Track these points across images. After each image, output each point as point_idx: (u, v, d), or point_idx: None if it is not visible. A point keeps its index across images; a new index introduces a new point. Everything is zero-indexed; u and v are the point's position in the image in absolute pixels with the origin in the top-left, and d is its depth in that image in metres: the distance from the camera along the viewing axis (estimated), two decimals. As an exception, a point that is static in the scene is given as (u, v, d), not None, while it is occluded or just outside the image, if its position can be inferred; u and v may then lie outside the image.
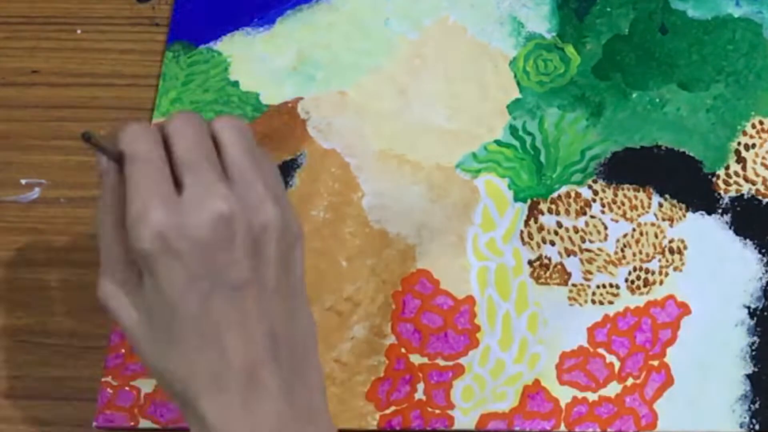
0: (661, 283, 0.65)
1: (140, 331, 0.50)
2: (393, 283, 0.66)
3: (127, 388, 0.63)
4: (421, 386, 0.63)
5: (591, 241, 0.67)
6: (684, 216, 0.67)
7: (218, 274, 0.48)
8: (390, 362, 0.64)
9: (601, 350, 0.64)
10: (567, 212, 0.67)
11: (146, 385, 0.63)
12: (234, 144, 0.50)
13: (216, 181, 0.48)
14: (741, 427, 0.62)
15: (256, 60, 0.73)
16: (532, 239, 0.67)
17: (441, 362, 0.64)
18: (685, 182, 0.68)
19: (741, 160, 0.68)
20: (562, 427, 0.62)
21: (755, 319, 0.64)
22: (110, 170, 0.50)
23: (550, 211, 0.67)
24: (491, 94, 0.71)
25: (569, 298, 0.65)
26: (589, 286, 0.65)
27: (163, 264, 0.48)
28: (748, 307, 0.64)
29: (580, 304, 0.65)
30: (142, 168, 0.49)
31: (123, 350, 0.64)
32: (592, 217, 0.67)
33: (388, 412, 0.63)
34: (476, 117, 0.71)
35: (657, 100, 0.70)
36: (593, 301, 0.65)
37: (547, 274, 0.66)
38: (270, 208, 0.49)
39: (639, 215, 0.67)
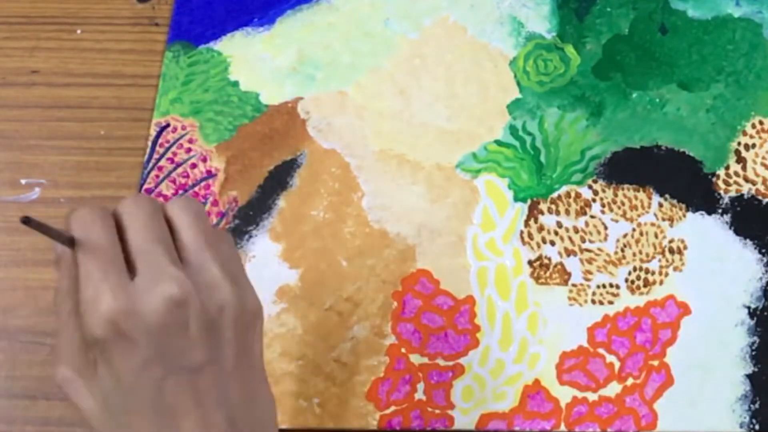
0: (661, 283, 0.65)
1: (98, 419, 0.49)
2: (393, 283, 0.66)
3: (127, 388, 0.63)
4: (421, 386, 0.63)
5: (591, 241, 0.67)
6: (684, 216, 0.67)
7: (173, 358, 0.47)
8: (390, 362, 0.64)
9: (601, 350, 0.64)
10: (567, 212, 0.67)
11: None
12: (188, 227, 0.50)
13: (168, 265, 0.48)
14: (741, 427, 0.62)
15: (256, 60, 0.73)
16: (532, 239, 0.67)
17: (441, 362, 0.64)
18: (685, 182, 0.68)
19: (741, 160, 0.68)
20: (562, 427, 0.62)
21: (755, 319, 0.64)
22: (66, 256, 0.49)
23: (550, 211, 0.67)
24: (491, 94, 0.71)
25: (569, 298, 0.65)
26: (589, 286, 0.65)
27: (116, 350, 0.47)
28: (748, 307, 0.64)
29: (580, 304, 0.65)
30: (93, 254, 0.48)
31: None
32: (592, 217, 0.67)
33: (388, 412, 0.63)
34: (476, 117, 0.71)
35: (657, 100, 0.70)
36: (593, 301, 0.65)
37: (547, 274, 0.66)
38: (225, 288, 0.49)
39: (639, 215, 0.67)
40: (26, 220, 0.47)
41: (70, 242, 0.49)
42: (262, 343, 0.52)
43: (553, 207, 0.68)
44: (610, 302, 0.65)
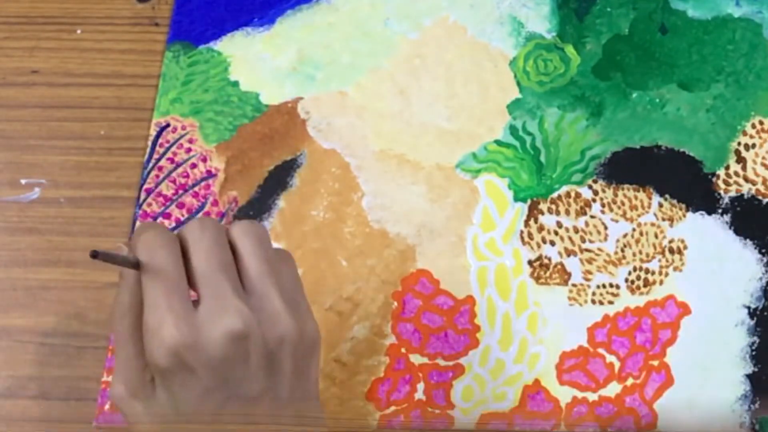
0: (661, 283, 0.65)
1: None
2: (393, 283, 0.66)
3: (127, 388, 0.63)
4: (421, 386, 0.63)
5: (591, 241, 0.67)
6: (684, 216, 0.67)
7: (232, 387, 0.49)
8: (390, 362, 0.64)
9: (601, 350, 0.64)
10: (567, 212, 0.67)
11: (146, 385, 0.63)
12: (251, 253, 0.51)
13: (231, 296, 0.49)
14: (741, 427, 0.62)
15: (256, 60, 0.73)
16: (532, 239, 0.67)
17: (441, 362, 0.64)
18: (685, 182, 0.68)
19: (741, 160, 0.68)
20: (562, 427, 0.62)
21: (755, 319, 0.64)
22: (129, 273, 0.50)
23: (550, 211, 0.67)
24: (491, 94, 0.71)
25: (569, 298, 0.65)
26: (589, 286, 0.65)
27: (176, 379, 0.48)
28: (748, 307, 0.64)
29: (580, 304, 0.65)
30: (157, 280, 0.49)
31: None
32: (592, 217, 0.67)
33: (388, 412, 0.63)
34: (476, 117, 0.71)
35: (657, 100, 0.70)
36: (593, 301, 0.65)
37: (547, 274, 0.66)
38: (286, 319, 0.50)
39: (639, 215, 0.67)
40: (94, 255, 0.48)
41: (136, 265, 0.50)
42: (318, 368, 0.53)
43: (553, 207, 0.68)
44: (610, 302, 0.65)
